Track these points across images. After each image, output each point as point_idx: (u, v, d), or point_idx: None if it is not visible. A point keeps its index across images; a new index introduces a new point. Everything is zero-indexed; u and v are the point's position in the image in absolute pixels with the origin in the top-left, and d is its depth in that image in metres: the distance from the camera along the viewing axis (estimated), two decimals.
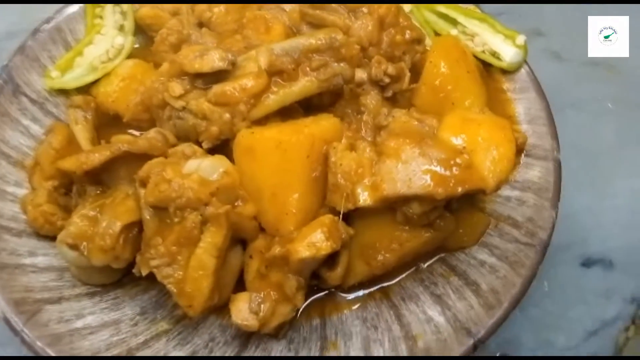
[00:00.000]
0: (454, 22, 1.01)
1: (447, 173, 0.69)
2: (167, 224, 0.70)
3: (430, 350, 0.70)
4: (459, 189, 0.68)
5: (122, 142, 0.77)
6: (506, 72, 0.95)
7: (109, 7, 1.00)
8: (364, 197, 0.71)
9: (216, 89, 0.81)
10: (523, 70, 0.94)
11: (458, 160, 0.69)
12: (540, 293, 0.84)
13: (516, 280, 0.74)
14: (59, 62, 0.95)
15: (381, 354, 0.72)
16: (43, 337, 0.71)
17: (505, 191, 0.83)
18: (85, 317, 0.74)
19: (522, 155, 0.86)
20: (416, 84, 0.89)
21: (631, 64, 1.05)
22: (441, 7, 1.02)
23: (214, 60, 0.80)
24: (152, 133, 0.82)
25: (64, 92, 0.95)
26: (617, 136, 1.02)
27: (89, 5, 1.00)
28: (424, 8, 1.03)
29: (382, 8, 0.87)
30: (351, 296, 0.80)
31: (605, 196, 0.95)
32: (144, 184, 0.72)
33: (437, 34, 1.01)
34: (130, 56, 0.97)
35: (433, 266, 0.81)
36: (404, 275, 0.80)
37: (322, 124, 0.78)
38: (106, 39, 0.97)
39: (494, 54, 0.96)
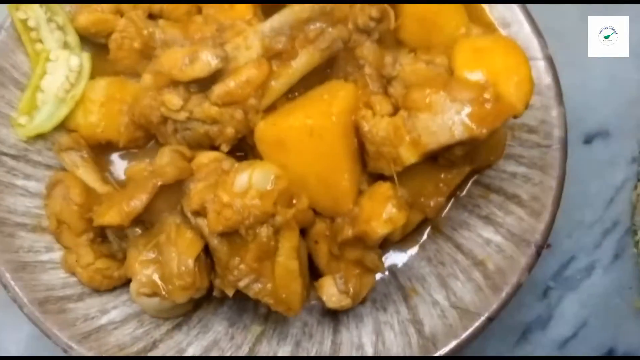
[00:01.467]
0: None
1: (482, 111, 0.72)
2: (239, 244, 0.70)
3: (502, 269, 0.78)
4: (497, 123, 0.72)
5: (153, 177, 0.74)
6: None
7: (43, 26, 0.89)
8: (409, 156, 0.74)
9: (218, 90, 0.78)
10: None
11: (487, 96, 0.72)
12: None
13: (552, 182, 0.81)
14: (21, 106, 0.86)
15: (459, 287, 0.79)
16: None
17: None
18: (187, 350, 0.76)
19: None
20: (399, 20, 0.88)
21: None
22: None
23: (209, 62, 0.76)
24: (167, 154, 0.80)
25: (40, 136, 0.87)
26: (576, 8, 1.07)
27: (21, 30, 0.89)
28: None
29: None
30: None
31: (584, 70, 1.02)
32: (199, 214, 0.71)
33: None
34: None
35: (469, 190, 0.87)
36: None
37: (342, 95, 0.77)
38: (60, 64, 0.88)
39: None
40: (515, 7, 0.93)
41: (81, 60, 0.88)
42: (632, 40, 0.97)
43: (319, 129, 0.74)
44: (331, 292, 0.74)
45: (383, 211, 0.70)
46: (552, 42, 0.92)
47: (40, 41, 0.89)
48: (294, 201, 0.73)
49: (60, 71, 0.88)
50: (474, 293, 0.77)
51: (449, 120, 0.72)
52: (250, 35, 0.78)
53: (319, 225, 0.77)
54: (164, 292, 0.72)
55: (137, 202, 0.72)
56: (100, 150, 0.88)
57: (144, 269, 0.72)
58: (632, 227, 0.92)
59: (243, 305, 0.81)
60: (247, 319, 0.80)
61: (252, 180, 0.70)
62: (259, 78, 0.77)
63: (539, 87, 0.87)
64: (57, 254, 0.80)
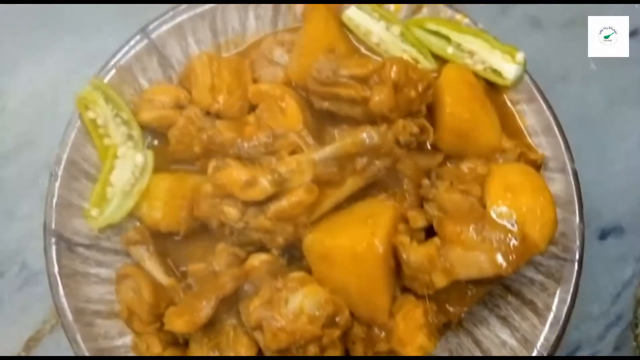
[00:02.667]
0: (447, 39, 1.03)
1: (509, 251, 0.81)
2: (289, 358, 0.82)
3: None
4: (521, 262, 0.81)
5: (214, 290, 0.85)
6: None
7: (110, 123, 0.98)
8: (441, 282, 0.84)
9: (274, 207, 0.87)
10: (525, 79, 1.01)
11: (514, 239, 0.81)
12: None
13: (565, 296, 0.91)
14: (93, 199, 0.96)
15: None
16: None
17: None
18: None
19: (541, 170, 0.98)
20: (437, 133, 0.96)
21: None
22: (431, 24, 1.04)
23: (267, 188, 0.86)
24: (224, 257, 0.91)
25: None
26: (604, 98, 1.13)
27: (90, 128, 0.98)
28: (414, 27, 1.04)
29: (393, 73, 0.90)
30: None
31: (605, 164, 1.09)
32: (256, 328, 0.83)
33: (433, 54, 1.04)
34: None
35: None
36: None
37: (383, 222, 0.85)
38: (127, 161, 0.97)
39: (495, 72, 1.01)
40: (547, 115, 0.99)
41: (145, 157, 0.97)
42: None
43: (362, 254, 0.83)
44: None
45: (415, 339, 0.81)
46: (575, 134, 0.98)
47: (108, 136, 0.98)
48: (337, 319, 0.83)
49: (126, 167, 0.97)
50: None
51: (480, 257, 0.81)
52: (304, 163, 0.86)
53: (356, 329, 0.88)
54: None
55: (203, 314, 0.83)
56: (160, 236, 0.99)
57: None
58: (634, 320, 1.02)
59: None
60: None
61: (303, 306, 0.81)
62: (309, 201, 0.86)
63: (562, 200, 0.95)
64: (128, 338, 0.92)
